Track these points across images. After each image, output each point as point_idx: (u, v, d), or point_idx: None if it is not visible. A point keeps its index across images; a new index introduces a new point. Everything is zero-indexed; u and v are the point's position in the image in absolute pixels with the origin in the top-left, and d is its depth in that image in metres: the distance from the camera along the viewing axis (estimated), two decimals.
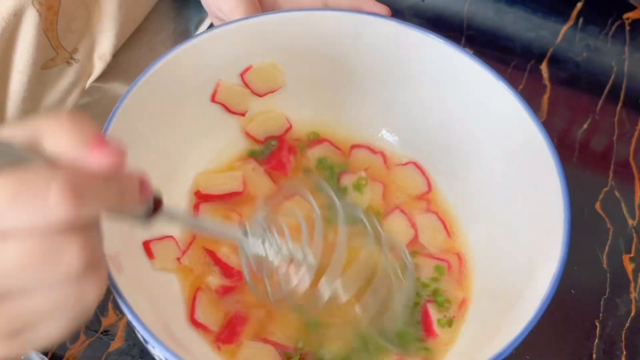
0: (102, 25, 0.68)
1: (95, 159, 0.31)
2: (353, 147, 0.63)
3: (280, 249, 0.46)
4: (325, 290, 0.47)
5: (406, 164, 0.62)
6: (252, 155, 0.62)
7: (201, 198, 0.58)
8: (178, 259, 0.54)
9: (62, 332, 0.33)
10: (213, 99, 0.59)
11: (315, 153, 0.62)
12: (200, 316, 0.52)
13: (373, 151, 0.63)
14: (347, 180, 0.61)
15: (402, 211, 0.59)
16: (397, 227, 0.59)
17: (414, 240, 0.58)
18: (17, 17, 0.59)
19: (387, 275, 0.50)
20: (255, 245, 0.45)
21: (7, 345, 0.32)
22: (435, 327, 0.53)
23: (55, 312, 0.32)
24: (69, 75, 0.68)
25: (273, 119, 0.62)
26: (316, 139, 0.63)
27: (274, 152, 0.62)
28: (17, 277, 0.30)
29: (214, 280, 0.54)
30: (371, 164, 0.63)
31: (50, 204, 0.29)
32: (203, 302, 0.53)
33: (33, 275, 0.30)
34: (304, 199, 0.49)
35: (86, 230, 0.31)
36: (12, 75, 0.62)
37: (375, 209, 0.60)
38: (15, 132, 0.31)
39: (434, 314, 0.54)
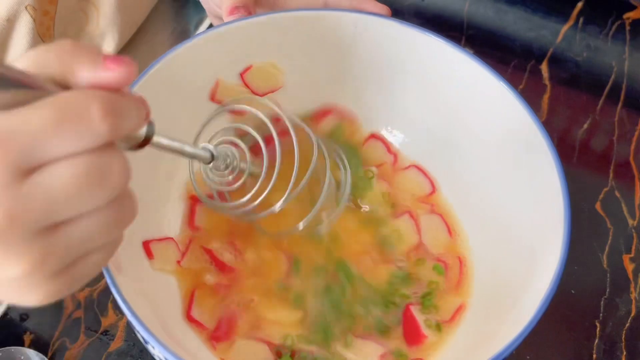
0: (100, 29, 0.68)
1: (112, 74, 0.31)
2: (372, 136, 0.63)
3: (239, 167, 0.48)
4: (280, 205, 0.49)
5: (407, 167, 0.62)
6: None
7: (195, 200, 0.58)
8: (178, 262, 0.54)
9: (105, 262, 0.35)
10: (212, 98, 0.59)
11: (325, 125, 0.62)
12: (196, 313, 0.52)
13: (388, 149, 0.63)
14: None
15: (412, 216, 0.59)
16: (404, 231, 0.59)
17: (419, 244, 0.58)
18: (10, 23, 0.59)
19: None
20: (219, 165, 0.47)
21: (58, 282, 0.32)
22: (423, 329, 0.53)
23: (102, 235, 0.32)
24: None
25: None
26: (321, 110, 0.63)
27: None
28: (70, 201, 0.30)
29: (211, 277, 0.54)
30: (382, 162, 0.63)
31: (94, 123, 0.30)
32: (200, 300, 0.53)
33: (85, 196, 0.30)
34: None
35: (119, 150, 0.32)
36: None
37: (388, 199, 0.60)
38: (24, 64, 0.31)
39: (419, 315, 0.54)
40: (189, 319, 0.52)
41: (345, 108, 0.63)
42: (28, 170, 0.29)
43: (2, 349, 0.55)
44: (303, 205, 0.53)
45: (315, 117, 0.63)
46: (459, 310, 0.54)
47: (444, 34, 0.57)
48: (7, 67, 0.29)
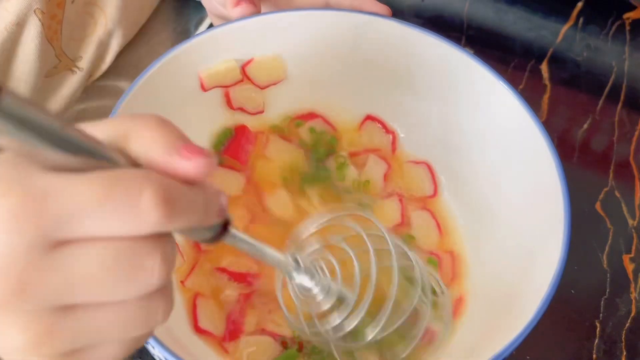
0: (107, 32, 0.68)
1: (186, 165, 0.28)
2: (367, 118, 0.63)
3: (329, 288, 0.42)
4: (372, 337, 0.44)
5: (419, 162, 0.62)
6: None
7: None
8: (182, 282, 0.54)
9: (118, 357, 0.30)
10: (203, 89, 0.58)
11: (307, 127, 0.62)
12: (203, 323, 0.52)
13: (386, 130, 0.63)
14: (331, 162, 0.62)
15: (401, 200, 0.60)
16: (388, 212, 0.59)
17: (401, 224, 0.58)
18: (19, 27, 0.59)
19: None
20: (304, 279, 0.41)
21: None
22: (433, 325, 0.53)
23: (119, 331, 0.29)
24: (73, 82, 0.68)
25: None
26: (307, 114, 0.62)
27: (232, 140, 0.61)
28: (91, 288, 0.27)
29: (232, 292, 0.54)
30: (380, 145, 0.63)
31: (142, 210, 0.27)
32: (204, 308, 0.53)
33: (109, 286, 0.27)
34: (352, 229, 0.47)
35: (166, 242, 0.29)
36: (13, 84, 0.62)
37: (371, 187, 0.60)
38: (100, 130, 0.29)
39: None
40: (198, 330, 0.51)
41: (330, 114, 0.63)
42: (57, 242, 0.27)
43: None
44: None
45: (299, 117, 0.63)
46: (459, 302, 0.54)
47: (444, 34, 0.57)
48: (78, 130, 0.27)
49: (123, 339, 0.30)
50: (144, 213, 0.27)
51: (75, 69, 0.67)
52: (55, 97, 0.67)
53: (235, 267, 0.55)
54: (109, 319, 0.28)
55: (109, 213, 0.26)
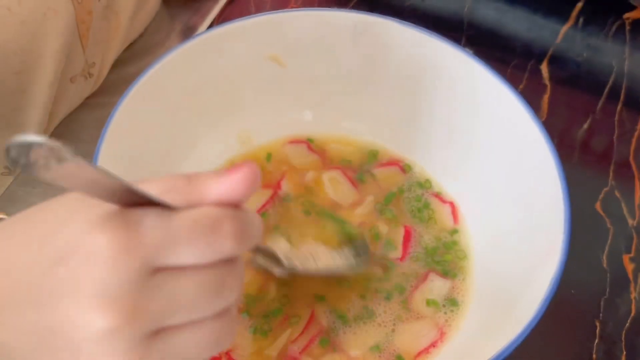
0: (116, 38, 0.68)
1: (235, 179, 0.32)
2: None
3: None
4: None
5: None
6: None
7: None
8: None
9: None
10: None
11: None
12: None
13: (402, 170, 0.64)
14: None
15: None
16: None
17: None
18: (55, 13, 0.55)
19: None
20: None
21: None
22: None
23: (196, 351, 0.32)
24: (86, 90, 0.67)
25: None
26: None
27: None
28: (187, 307, 0.31)
29: None
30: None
31: (223, 240, 0.31)
32: None
33: (200, 305, 0.31)
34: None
35: (239, 262, 0.33)
36: (36, 87, 0.59)
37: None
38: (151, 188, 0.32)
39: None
40: None
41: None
42: (155, 270, 0.30)
43: None
44: None
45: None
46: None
47: (444, 34, 0.57)
48: (139, 186, 0.30)
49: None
50: (225, 242, 0.31)
51: (88, 76, 0.66)
52: (70, 104, 0.66)
53: None
54: (190, 338, 0.32)
55: (198, 243, 0.30)
